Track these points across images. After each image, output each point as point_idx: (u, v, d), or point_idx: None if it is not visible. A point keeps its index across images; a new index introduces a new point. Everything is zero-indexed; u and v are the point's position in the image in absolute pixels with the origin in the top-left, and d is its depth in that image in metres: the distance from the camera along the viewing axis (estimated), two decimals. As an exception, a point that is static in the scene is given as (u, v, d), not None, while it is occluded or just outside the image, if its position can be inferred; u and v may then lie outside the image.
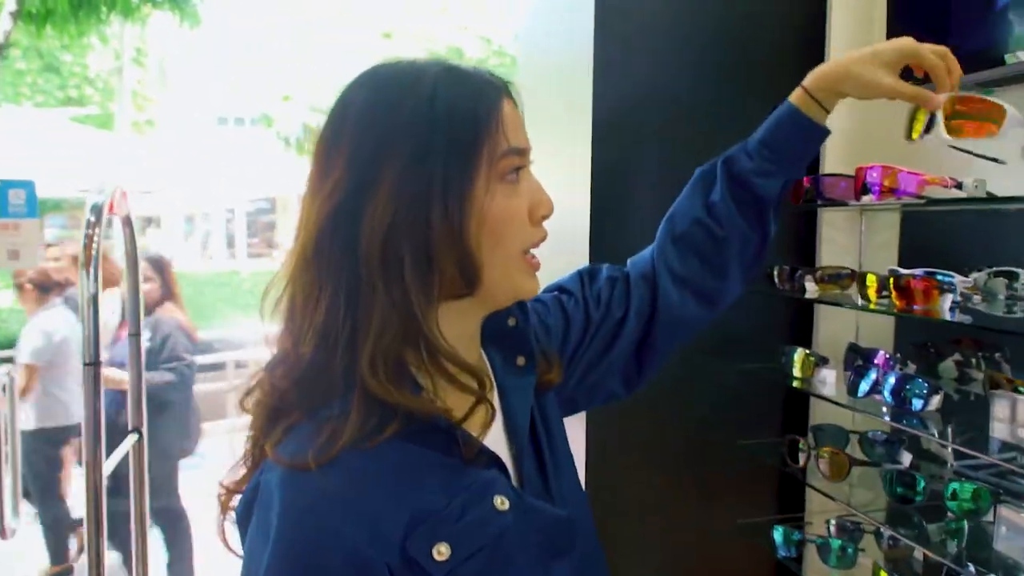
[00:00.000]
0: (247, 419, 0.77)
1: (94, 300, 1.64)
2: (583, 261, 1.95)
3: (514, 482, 0.78)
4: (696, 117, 1.98)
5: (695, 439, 2.07)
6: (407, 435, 0.69)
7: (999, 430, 1.39)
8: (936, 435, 1.58)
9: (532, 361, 0.85)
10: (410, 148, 0.69)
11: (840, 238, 2.07)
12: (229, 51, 14.35)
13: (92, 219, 1.73)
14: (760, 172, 1.05)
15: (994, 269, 1.68)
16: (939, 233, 1.98)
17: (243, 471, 0.76)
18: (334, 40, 13.51)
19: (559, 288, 1.05)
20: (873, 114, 1.97)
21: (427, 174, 0.69)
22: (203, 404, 5.96)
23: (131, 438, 1.97)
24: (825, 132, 1.09)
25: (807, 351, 1.94)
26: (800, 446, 1.94)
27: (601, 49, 1.90)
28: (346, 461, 0.67)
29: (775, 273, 1.97)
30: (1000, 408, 1.37)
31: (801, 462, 1.94)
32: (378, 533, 0.65)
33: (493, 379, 0.82)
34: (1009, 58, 1.54)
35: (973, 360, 1.86)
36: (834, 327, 2.07)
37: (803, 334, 2.10)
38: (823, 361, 1.92)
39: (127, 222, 1.91)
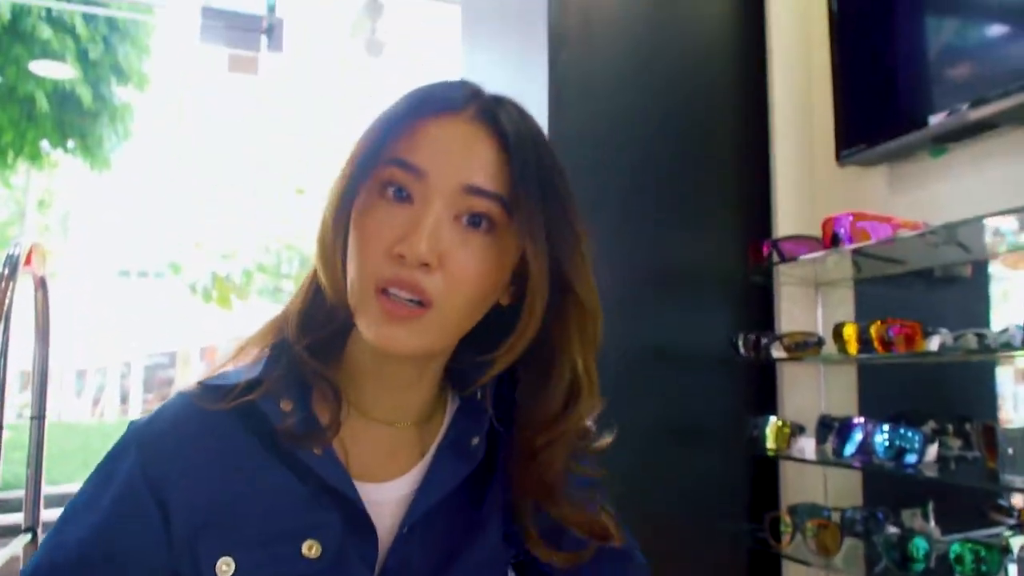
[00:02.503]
0: None
1: (4, 359, 1.44)
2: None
3: (379, 558, 0.67)
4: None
5: (663, 525, 1.92)
6: (272, 442, 0.67)
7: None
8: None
9: (482, 446, 0.73)
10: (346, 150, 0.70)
11: (796, 310, 2.05)
12: (136, 201, 14.18)
13: (5, 272, 1.53)
14: None
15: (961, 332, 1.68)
16: (895, 302, 1.99)
17: None
18: (249, 193, 13.58)
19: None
20: (820, 183, 2.02)
21: (340, 170, 0.68)
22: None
23: (22, 539, 1.68)
24: None
25: (781, 420, 1.86)
26: (782, 525, 1.82)
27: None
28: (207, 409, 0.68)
29: (740, 342, 1.92)
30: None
31: (784, 541, 1.81)
32: (178, 488, 0.64)
33: (438, 441, 0.74)
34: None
35: (949, 426, 1.82)
36: (799, 399, 2.00)
37: (767, 406, 2.02)
38: (799, 430, 1.84)
39: (41, 284, 1.71)
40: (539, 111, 1.95)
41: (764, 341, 1.90)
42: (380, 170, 0.65)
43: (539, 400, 0.71)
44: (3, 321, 1.47)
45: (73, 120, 8.30)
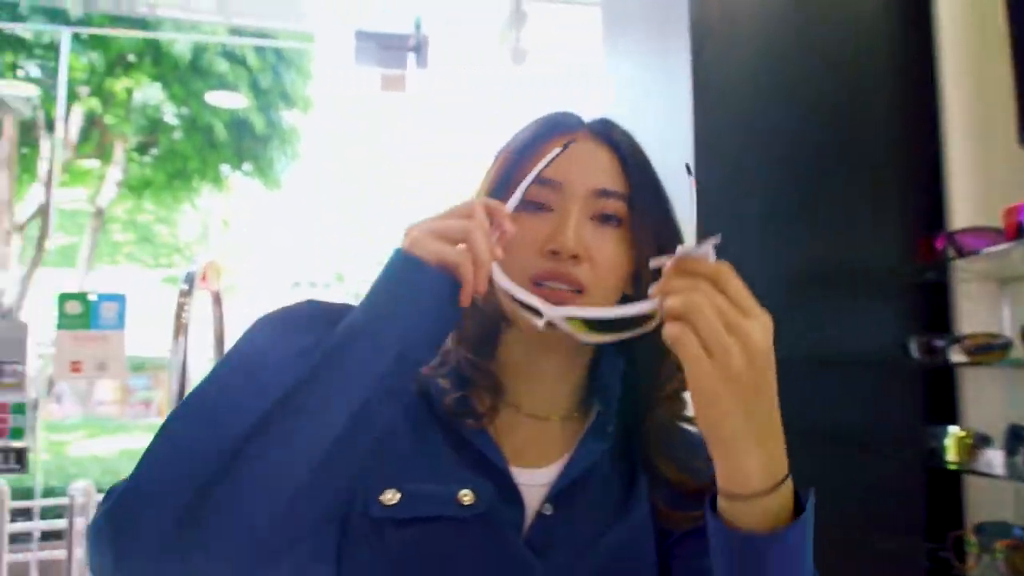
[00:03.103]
0: None
1: (183, 368, 1.56)
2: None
3: (524, 532, 0.72)
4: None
5: (829, 540, 1.80)
6: (445, 417, 0.75)
7: None
8: None
9: (614, 433, 0.79)
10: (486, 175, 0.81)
11: (977, 310, 1.87)
12: (305, 216, 15.10)
13: (185, 288, 1.66)
14: None
15: None
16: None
17: None
18: (404, 204, 14.14)
19: None
20: (1000, 169, 1.84)
21: (482, 193, 0.79)
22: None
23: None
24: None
25: (963, 430, 1.70)
26: (967, 544, 1.66)
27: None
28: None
29: (912, 345, 1.77)
30: None
31: (969, 563, 1.65)
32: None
33: (583, 433, 0.79)
34: None
35: None
36: (982, 407, 1.82)
37: (945, 414, 1.85)
38: (985, 441, 1.67)
39: (217, 298, 1.84)
40: (682, 108, 1.89)
41: (940, 344, 1.74)
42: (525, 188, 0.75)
43: (648, 371, 0.79)
44: (183, 334, 1.61)
45: (248, 145, 8.98)
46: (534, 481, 0.74)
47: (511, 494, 0.72)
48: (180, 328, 1.59)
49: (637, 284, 0.77)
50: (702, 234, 0.62)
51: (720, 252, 0.68)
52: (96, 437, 8.17)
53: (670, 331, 0.57)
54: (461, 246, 0.63)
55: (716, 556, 0.62)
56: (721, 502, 0.60)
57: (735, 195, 1.82)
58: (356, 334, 0.62)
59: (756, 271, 1.92)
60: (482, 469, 0.73)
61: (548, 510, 0.73)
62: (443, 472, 0.72)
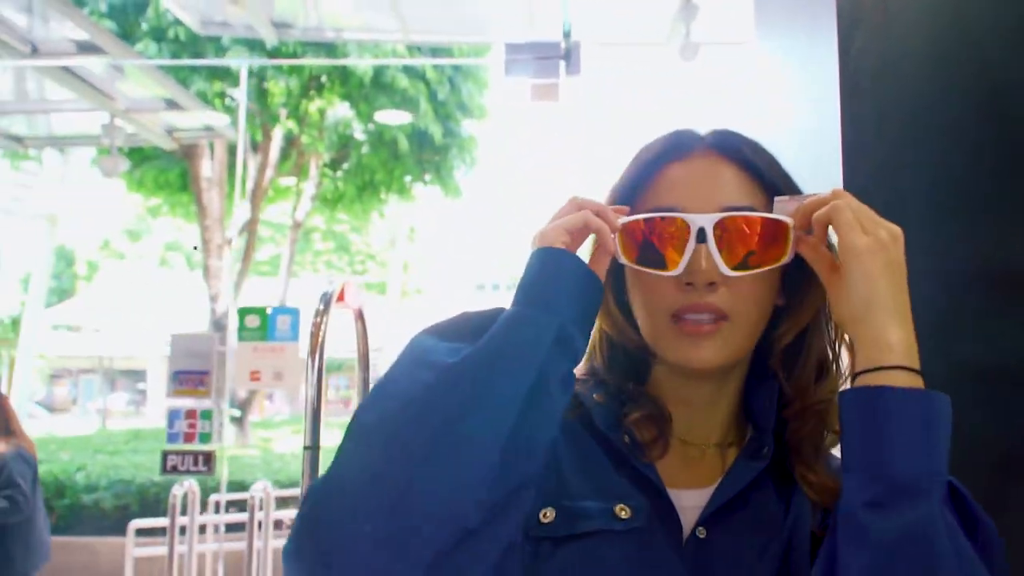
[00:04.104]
0: None
1: (318, 386, 1.63)
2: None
3: (680, 548, 0.72)
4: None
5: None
6: (602, 433, 0.76)
7: None
8: None
9: (771, 450, 0.77)
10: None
11: None
12: (485, 221, 15.58)
13: (321, 307, 1.74)
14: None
15: None
16: None
17: None
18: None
19: None
20: None
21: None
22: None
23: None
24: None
25: None
26: None
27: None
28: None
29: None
30: None
31: None
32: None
33: (736, 457, 0.78)
34: None
35: None
36: None
37: None
38: None
39: (359, 315, 1.92)
40: (830, 99, 1.74)
41: None
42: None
43: (793, 373, 0.78)
44: (319, 351, 1.69)
45: (428, 155, 9.37)
46: (688, 503, 0.74)
47: (667, 513, 0.72)
48: (316, 346, 1.66)
49: (787, 292, 0.77)
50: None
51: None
52: (300, 434, 8.88)
53: (828, 204, 0.67)
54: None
55: (845, 428, 0.66)
56: (859, 381, 0.65)
57: (887, 190, 1.66)
58: (516, 322, 0.66)
59: (919, 276, 1.74)
60: (638, 486, 0.73)
61: (702, 533, 0.72)
62: (600, 487, 0.72)
